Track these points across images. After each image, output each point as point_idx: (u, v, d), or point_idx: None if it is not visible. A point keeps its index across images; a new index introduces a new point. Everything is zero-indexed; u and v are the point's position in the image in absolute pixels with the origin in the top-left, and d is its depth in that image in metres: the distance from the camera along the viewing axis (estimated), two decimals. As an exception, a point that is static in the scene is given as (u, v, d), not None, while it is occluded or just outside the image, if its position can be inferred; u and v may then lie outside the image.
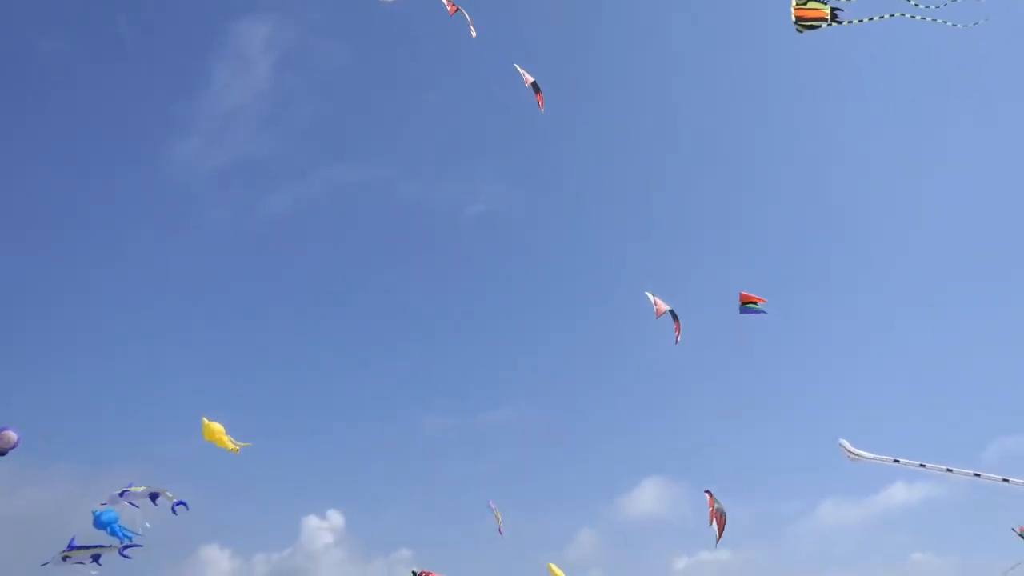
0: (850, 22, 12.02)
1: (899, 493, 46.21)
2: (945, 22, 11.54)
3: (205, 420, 19.52)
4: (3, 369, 46.10)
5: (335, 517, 43.31)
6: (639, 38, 59.46)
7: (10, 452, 18.11)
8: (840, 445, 12.69)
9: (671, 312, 23.68)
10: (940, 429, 47.62)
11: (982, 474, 12.30)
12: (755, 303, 19.67)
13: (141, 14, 55.48)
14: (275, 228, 57.73)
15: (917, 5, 11.48)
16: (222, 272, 58.45)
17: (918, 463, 12.61)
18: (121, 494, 20.23)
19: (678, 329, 23.64)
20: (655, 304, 23.50)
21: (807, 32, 12.18)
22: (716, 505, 21.31)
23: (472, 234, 59.20)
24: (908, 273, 59.06)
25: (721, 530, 21.85)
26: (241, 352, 55.07)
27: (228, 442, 19.42)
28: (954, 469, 12.52)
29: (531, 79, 23.88)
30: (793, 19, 12.37)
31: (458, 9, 22.64)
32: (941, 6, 11.50)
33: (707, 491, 22.03)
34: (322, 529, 42.94)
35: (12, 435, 17.93)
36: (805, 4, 12.14)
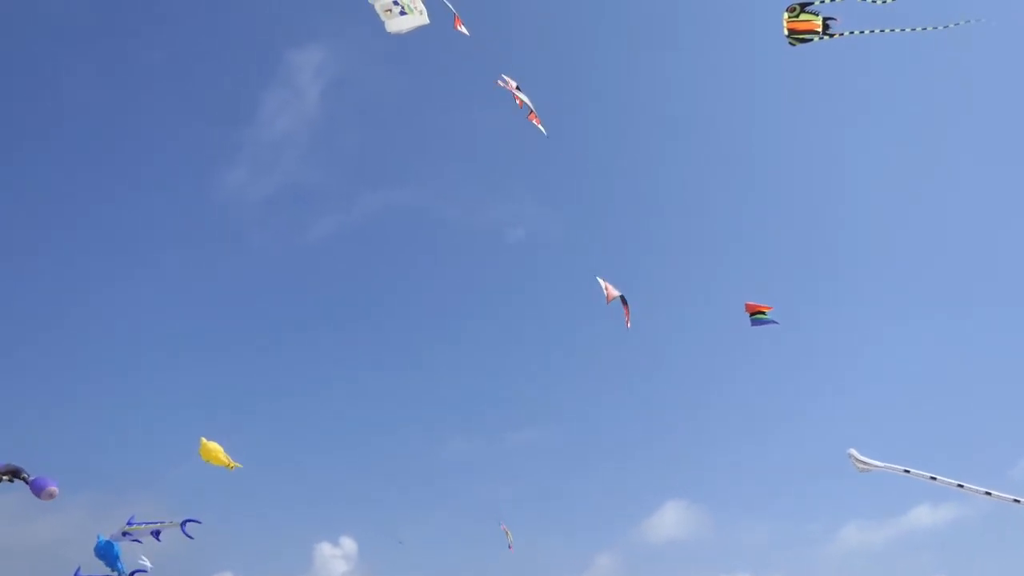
0: (842, 34, 12.45)
1: (924, 515, 45.21)
2: (936, 27, 11.91)
3: (203, 440, 19.50)
4: (26, 395, 46.61)
5: (348, 544, 42.50)
6: (652, 53, 60.92)
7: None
8: (849, 455, 12.57)
9: (621, 297, 24.14)
10: (966, 445, 46.51)
11: (993, 492, 12.10)
12: (763, 312, 19.56)
13: (198, 45, 58.18)
14: (317, 253, 59.02)
15: None
16: (256, 297, 59.53)
17: (929, 475, 12.43)
18: (124, 534, 20.18)
19: (627, 314, 24.17)
20: (605, 289, 23.94)
21: (801, 45, 12.64)
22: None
23: (512, 258, 60.11)
24: (932, 282, 58.34)
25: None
26: (264, 375, 55.43)
27: (226, 460, 19.35)
28: (965, 485, 12.31)
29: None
30: (786, 32, 12.84)
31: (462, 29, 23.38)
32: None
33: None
34: (335, 557, 42.12)
35: (55, 490, 18.08)
36: (797, 17, 12.60)
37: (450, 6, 23.11)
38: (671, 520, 47.04)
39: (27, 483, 16.53)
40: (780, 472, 50.67)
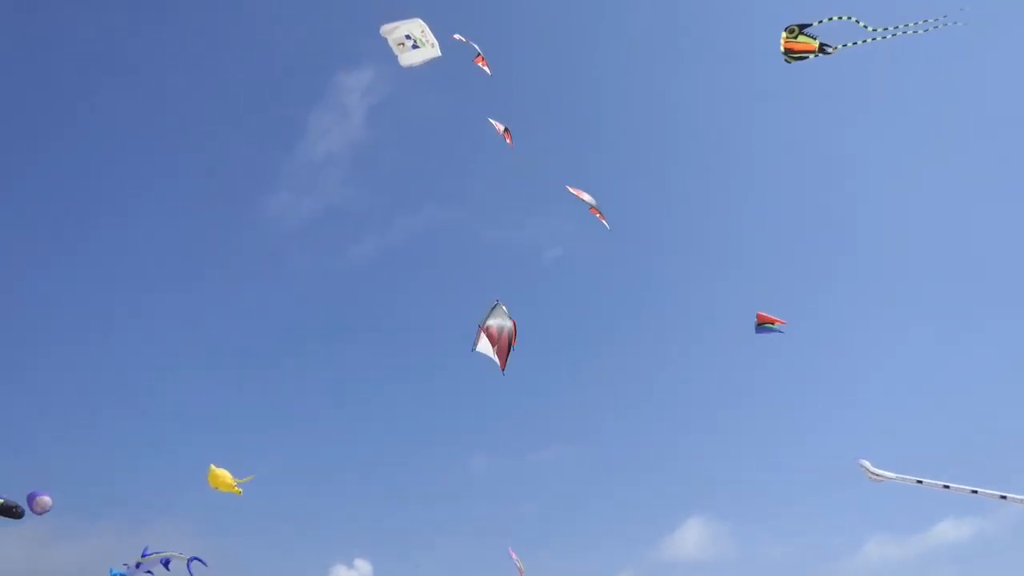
0: (837, 48, 12.79)
1: (948, 530, 44.51)
2: (928, 30, 12.20)
3: (212, 467, 19.71)
4: (48, 419, 46.99)
5: (363, 566, 42.37)
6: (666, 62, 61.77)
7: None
8: (860, 466, 12.66)
9: (593, 207, 24.44)
10: (991, 455, 45.81)
11: (1008, 496, 12.21)
12: (772, 324, 19.66)
13: (248, 68, 59.73)
14: (354, 273, 59.59)
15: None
16: (290, 320, 59.81)
17: (942, 484, 12.53)
18: (137, 565, 20.57)
19: (602, 216, 24.50)
20: (579, 195, 24.44)
21: (796, 62, 13.05)
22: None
23: (546, 276, 60.60)
24: (956, 287, 57.21)
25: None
26: (288, 396, 55.44)
27: (235, 486, 19.57)
28: (979, 490, 12.41)
29: (502, 127, 24.73)
30: (782, 50, 13.26)
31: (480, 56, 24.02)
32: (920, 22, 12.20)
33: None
34: (350, 580, 41.92)
35: (47, 500, 18.26)
36: (796, 38, 12.99)
37: (476, 46, 23.90)
38: (692, 537, 46.86)
39: (17, 517, 16.72)
40: (802, 486, 50.24)
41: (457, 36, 23.25)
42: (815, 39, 12.93)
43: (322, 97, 59.46)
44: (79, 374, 50.86)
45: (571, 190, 24.42)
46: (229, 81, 58.58)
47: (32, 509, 17.76)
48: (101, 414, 49.04)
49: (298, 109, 60.34)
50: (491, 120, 24.77)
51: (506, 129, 24.90)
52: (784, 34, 13.04)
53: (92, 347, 52.16)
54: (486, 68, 24.17)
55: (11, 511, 16.63)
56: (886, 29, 12.20)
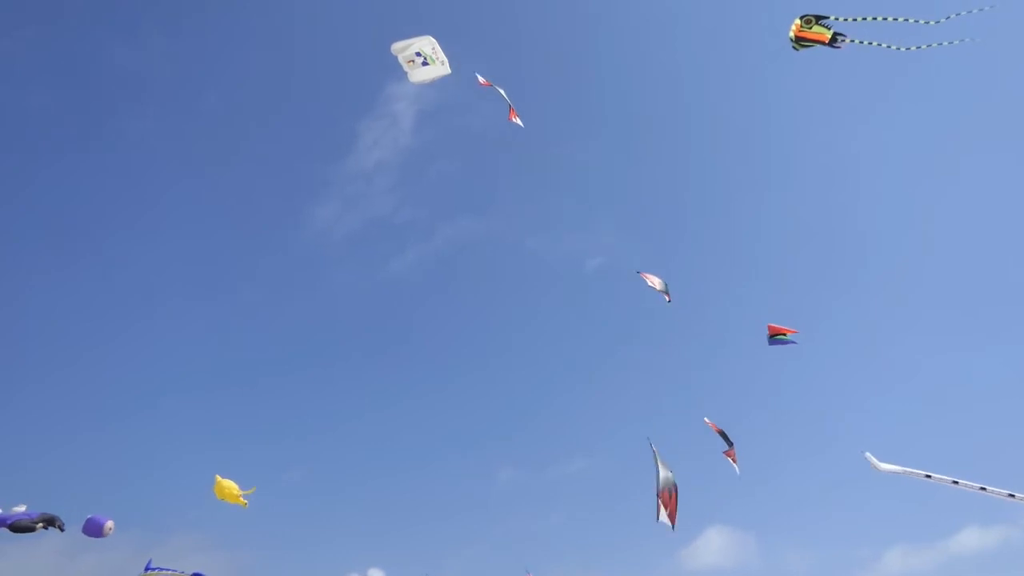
0: (847, 41, 13.03)
1: (971, 538, 43.10)
2: (943, 43, 12.48)
3: (218, 477, 19.15)
4: (71, 431, 45.74)
5: None
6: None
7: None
8: (866, 459, 12.40)
9: (728, 445, 22.66)
10: (1015, 462, 45.07)
11: (1016, 495, 12.01)
12: (784, 335, 19.52)
13: (300, 81, 61.47)
14: (395, 284, 59.25)
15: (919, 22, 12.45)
16: (327, 331, 59.16)
17: (951, 479, 12.30)
18: None
19: (734, 459, 22.40)
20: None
21: (804, 50, 13.28)
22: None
23: (586, 287, 60.30)
24: (979, 295, 57.16)
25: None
26: (313, 407, 54.34)
27: (239, 497, 18.96)
28: (988, 488, 12.19)
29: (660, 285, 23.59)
30: (792, 37, 13.22)
31: (491, 84, 24.40)
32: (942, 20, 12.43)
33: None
34: (364, 588, 40.17)
35: (111, 525, 18.20)
36: (810, 27, 13.26)
37: (506, 97, 24.29)
38: (714, 546, 45.52)
39: (61, 530, 16.70)
40: (823, 495, 49.26)
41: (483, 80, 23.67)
42: (829, 30, 13.14)
43: (371, 108, 60.54)
44: (104, 384, 50.29)
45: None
46: (276, 93, 59.93)
47: (98, 534, 17.57)
48: (123, 424, 48.22)
49: (348, 122, 61.35)
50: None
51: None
52: (798, 22, 13.24)
53: (120, 357, 51.89)
54: (518, 121, 24.40)
55: (53, 522, 16.71)
56: (908, 49, 12.49)
